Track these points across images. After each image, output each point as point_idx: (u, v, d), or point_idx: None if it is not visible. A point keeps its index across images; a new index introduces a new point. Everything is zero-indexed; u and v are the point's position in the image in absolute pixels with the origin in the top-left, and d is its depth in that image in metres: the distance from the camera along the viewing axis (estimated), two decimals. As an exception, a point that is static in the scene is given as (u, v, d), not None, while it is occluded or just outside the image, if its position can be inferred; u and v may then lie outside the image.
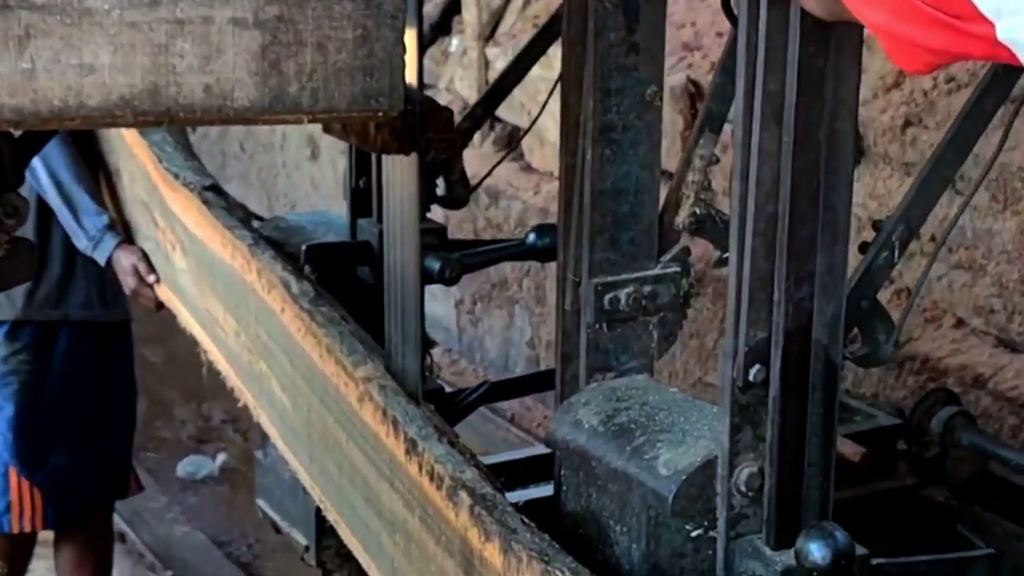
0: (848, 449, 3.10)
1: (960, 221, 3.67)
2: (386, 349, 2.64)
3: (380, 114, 1.77)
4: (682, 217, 2.51)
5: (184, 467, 5.74)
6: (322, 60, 1.73)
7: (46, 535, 4.24)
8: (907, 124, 3.87)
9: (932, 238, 3.76)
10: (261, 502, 3.69)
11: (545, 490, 2.53)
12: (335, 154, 6.67)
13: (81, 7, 1.61)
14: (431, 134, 2.25)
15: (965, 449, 3.06)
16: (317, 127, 6.83)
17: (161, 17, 1.66)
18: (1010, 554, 2.89)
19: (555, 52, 2.52)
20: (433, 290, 3.55)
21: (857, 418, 3.21)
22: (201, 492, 5.58)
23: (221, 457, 5.77)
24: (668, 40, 4.48)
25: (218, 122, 1.74)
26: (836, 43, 1.90)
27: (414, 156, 2.38)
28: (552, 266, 4.91)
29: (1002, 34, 1.26)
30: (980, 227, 3.67)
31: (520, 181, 5.30)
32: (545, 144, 5.12)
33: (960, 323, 3.82)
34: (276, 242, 3.19)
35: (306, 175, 6.99)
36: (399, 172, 2.49)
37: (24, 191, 2.11)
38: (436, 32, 6.30)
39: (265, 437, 3.68)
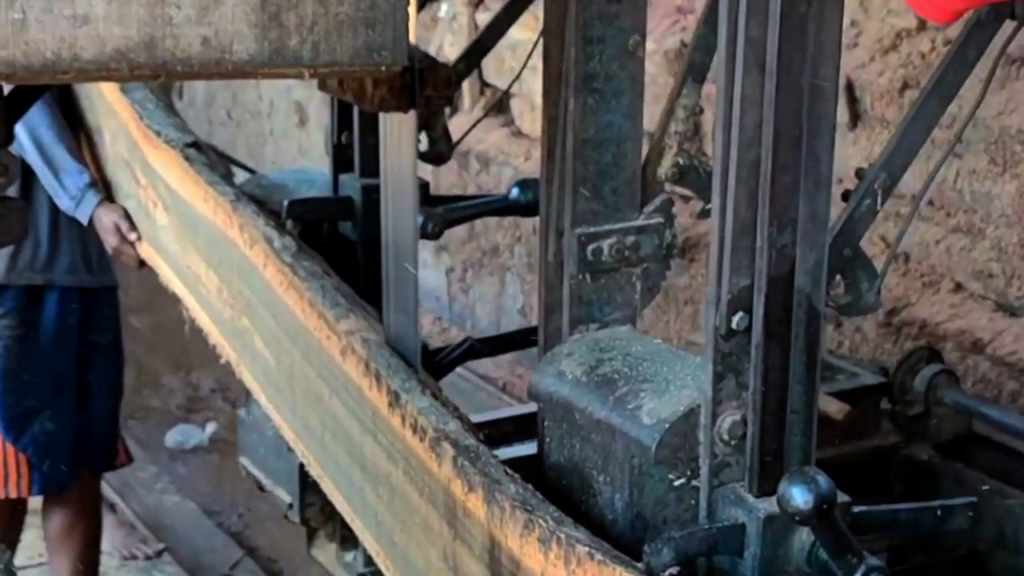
0: (832, 407, 3.11)
1: (959, 184, 3.67)
2: (382, 312, 2.63)
3: (383, 68, 1.75)
4: (665, 168, 2.51)
5: (173, 436, 5.71)
6: (323, 12, 1.70)
7: (36, 504, 4.24)
8: (905, 87, 3.85)
9: (931, 202, 3.77)
10: (244, 460, 3.69)
11: (529, 448, 2.52)
12: (324, 121, 6.65)
13: (74, -46, 1.57)
14: (429, 91, 2.23)
15: (948, 407, 3.07)
16: (306, 93, 6.81)
17: (157, -34, 1.62)
18: (992, 510, 2.91)
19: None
20: (424, 258, 3.55)
21: (840, 377, 3.22)
22: (190, 462, 5.57)
23: (211, 427, 5.74)
24: (661, 3, 4.46)
25: (216, 76, 1.71)
26: (819, -12, 1.90)
27: (412, 114, 2.37)
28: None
29: None
30: (979, 190, 3.65)
31: (511, 147, 5.28)
32: (536, 109, 5.09)
33: (958, 288, 3.81)
34: (258, 199, 3.19)
35: (294, 142, 6.97)
36: (396, 131, 2.47)
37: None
38: (426, -3, 6.28)
39: (248, 395, 3.68)
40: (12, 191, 3.59)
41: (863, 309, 2.25)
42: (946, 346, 3.70)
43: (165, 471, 5.37)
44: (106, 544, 4.40)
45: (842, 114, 3.87)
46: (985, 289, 3.72)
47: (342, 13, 1.71)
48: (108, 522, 4.51)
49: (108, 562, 4.35)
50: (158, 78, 1.65)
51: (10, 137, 1.94)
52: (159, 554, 4.53)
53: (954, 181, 3.72)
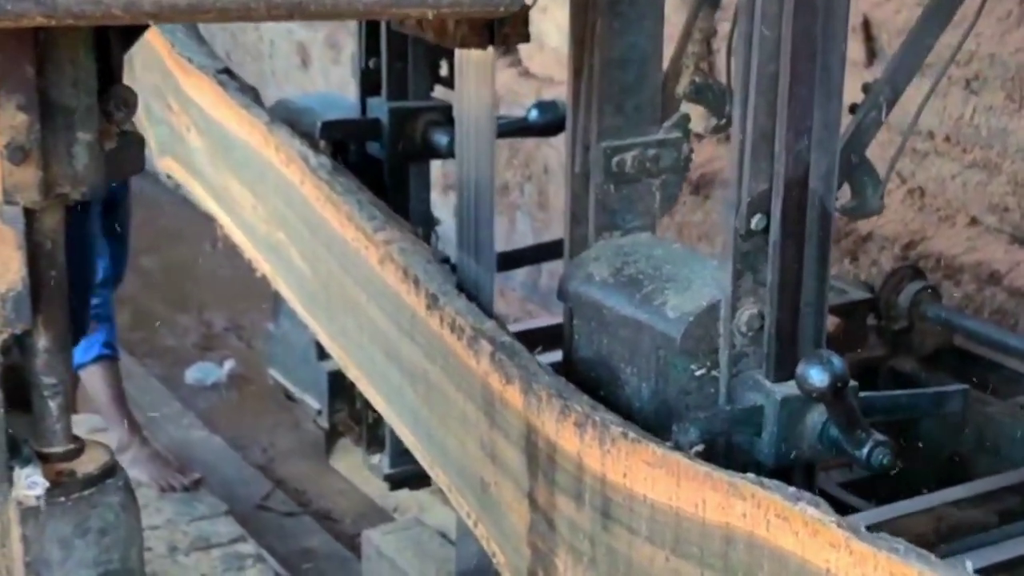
0: (823, 321, 3.29)
1: (975, 120, 3.77)
2: (458, 259, 2.75)
3: (501, 10, 1.81)
4: (682, 86, 2.70)
5: (192, 374, 5.78)
6: None
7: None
8: (920, 24, 3.91)
9: (947, 137, 3.88)
10: (273, 371, 3.87)
11: (553, 356, 2.69)
12: (326, 63, 6.69)
13: (217, -100, 1.61)
14: (507, 29, 2.30)
15: (931, 322, 3.27)
16: (308, 34, 6.82)
17: (295, -90, 1.66)
18: (973, 417, 3.10)
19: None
20: (432, 197, 3.69)
21: (830, 293, 3.40)
22: (211, 398, 5.65)
23: (228, 364, 5.83)
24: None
25: (347, 15, 1.77)
26: (833, -87, 2.08)
27: (490, 51, 2.47)
28: (554, 171, 5.02)
29: None
30: (995, 126, 3.75)
31: (520, 87, 5.36)
32: (544, 49, 5.15)
33: (974, 221, 3.90)
34: (287, 121, 3.34)
35: (297, 85, 6.97)
36: (475, 68, 2.56)
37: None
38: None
39: (275, 310, 3.87)
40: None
41: (868, 212, 2.44)
42: (963, 278, 3.83)
43: (188, 407, 5.47)
44: (143, 476, 4.53)
45: (859, 52, 3.95)
46: (1001, 222, 3.83)
47: (465, -45, 1.75)
48: (144, 454, 4.64)
49: (147, 493, 4.45)
50: (292, 18, 1.70)
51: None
52: (196, 484, 4.63)
53: (971, 117, 3.81)
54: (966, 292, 3.83)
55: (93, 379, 4.49)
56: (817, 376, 2.08)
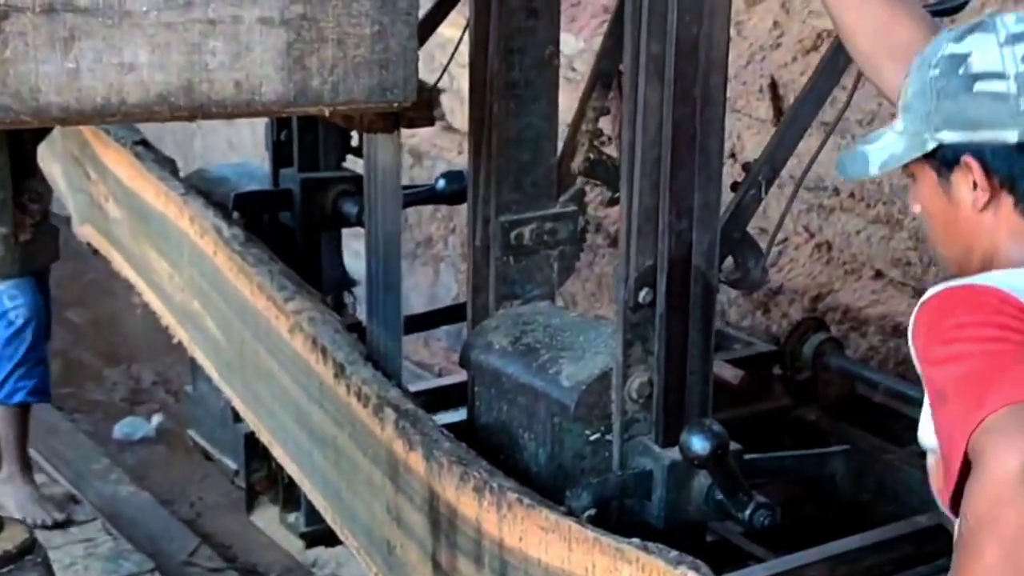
0: (728, 373, 3.39)
1: (879, 179, 3.90)
2: (367, 327, 2.83)
3: (395, 105, 1.92)
4: (577, 162, 2.82)
5: (121, 429, 5.77)
6: (342, 55, 1.88)
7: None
8: (826, 85, 4.00)
9: (852, 194, 3.99)
10: (192, 433, 3.93)
11: (458, 415, 2.81)
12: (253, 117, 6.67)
13: (121, 9, 1.73)
14: (412, 113, 2.37)
15: (834, 372, 3.34)
16: None
17: (194, 18, 1.79)
18: (873, 465, 3.21)
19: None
20: (358, 249, 3.75)
21: (737, 346, 3.51)
22: (139, 453, 5.63)
23: (156, 418, 5.84)
24: (589, 3, 4.61)
25: (246, 115, 1.88)
26: (708, 11, 2.21)
27: (396, 135, 2.58)
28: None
29: None
30: (897, 183, 3.83)
31: (443, 141, 5.43)
32: (466, 104, 5.22)
33: (879, 275, 3.98)
34: (203, 191, 3.42)
35: (223, 137, 6.95)
36: (382, 150, 2.66)
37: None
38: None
39: (193, 372, 3.94)
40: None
41: (751, 284, 2.55)
42: (869, 330, 3.90)
43: (116, 462, 5.47)
44: (16, 511, 4.49)
45: (766, 111, 4.07)
46: (904, 276, 3.91)
47: (359, 56, 1.88)
48: (24, 493, 4.61)
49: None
50: (195, 119, 1.80)
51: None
52: (67, 519, 4.62)
53: (873, 175, 3.93)
54: (871, 344, 3.92)
55: (2, 418, 4.51)
56: (699, 444, 2.19)
